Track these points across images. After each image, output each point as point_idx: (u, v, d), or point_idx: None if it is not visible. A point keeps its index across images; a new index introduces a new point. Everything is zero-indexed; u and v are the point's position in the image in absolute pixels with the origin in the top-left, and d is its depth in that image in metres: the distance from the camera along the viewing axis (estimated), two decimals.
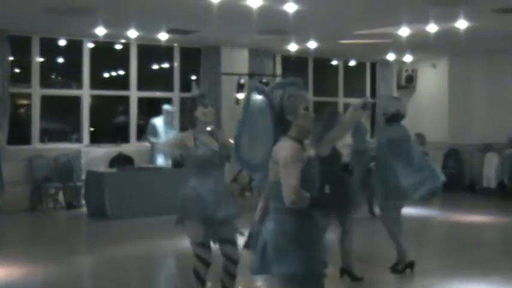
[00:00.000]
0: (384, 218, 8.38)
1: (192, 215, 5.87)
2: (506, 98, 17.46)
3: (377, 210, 11.83)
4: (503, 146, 16.58)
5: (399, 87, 18.99)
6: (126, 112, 15.69)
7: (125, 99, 15.63)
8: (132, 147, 15.30)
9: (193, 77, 16.02)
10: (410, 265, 8.32)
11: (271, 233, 4.12)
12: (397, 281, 8.21)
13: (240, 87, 15.93)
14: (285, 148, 4.05)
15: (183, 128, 15.59)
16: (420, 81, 18.99)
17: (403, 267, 8.31)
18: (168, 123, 14.27)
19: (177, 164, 13.11)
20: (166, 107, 14.46)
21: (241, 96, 15.84)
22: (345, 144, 8.01)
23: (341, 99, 18.49)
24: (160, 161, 14.11)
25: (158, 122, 14.31)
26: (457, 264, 9.07)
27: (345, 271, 7.94)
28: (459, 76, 18.02)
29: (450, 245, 10.96)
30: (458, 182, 17.38)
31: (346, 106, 17.78)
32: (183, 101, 15.35)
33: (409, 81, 18.90)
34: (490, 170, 17.05)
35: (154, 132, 14.22)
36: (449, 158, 17.73)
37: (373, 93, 18.92)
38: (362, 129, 12.74)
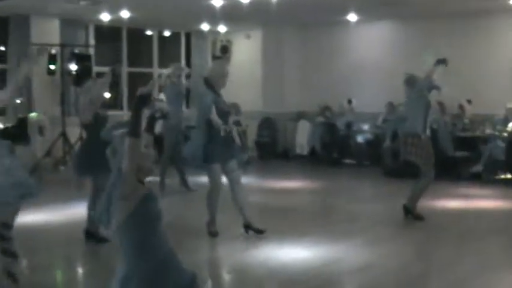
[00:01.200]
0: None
1: None
2: (317, 68, 18.04)
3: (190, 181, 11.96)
4: (315, 114, 17.15)
5: (214, 57, 19.10)
6: None
7: None
8: None
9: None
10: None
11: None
12: (211, 247, 8.32)
13: (51, 58, 15.45)
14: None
15: None
16: (235, 52, 19.22)
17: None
18: None
19: None
20: None
21: (53, 67, 15.40)
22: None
23: (156, 70, 18.38)
24: None
25: None
26: (272, 228, 9.30)
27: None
28: (272, 47, 18.39)
29: (265, 210, 11.23)
30: (272, 149, 17.84)
31: (162, 77, 17.77)
32: None
33: (224, 52, 19.07)
34: (302, 138, 17.61)
35: None
36: (263, 126, 18.12)
37: (188, 64, 18.96)
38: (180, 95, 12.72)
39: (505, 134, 13.68)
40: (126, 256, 4.00)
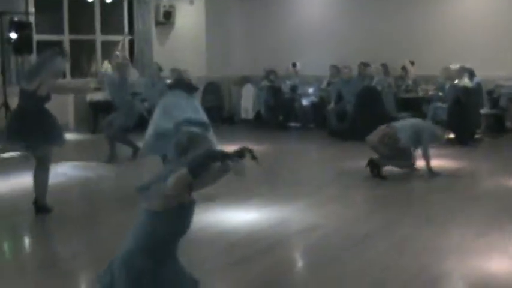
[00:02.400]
0: None
1: None
2: (261, 32, 18.03)
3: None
4: (260, 78, 17.16)
5: (157, 23, 18.92)
6: None
7: None
8: None
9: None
10: None
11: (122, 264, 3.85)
12: None
13: None
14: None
15: None
16: (178, 17, 19.05)
17: None
18: None
19: None
20: None
21: None
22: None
23: (98, 37, 18.12)
24: None
25: None
26: (219, 192, 9.32)
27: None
28: (216, 11, 18.31)
29: None
30: (218, 114, 17.81)
31: (105, 44, 17.63)
32: None
33: (167, 18, 18.88)
34: (248, 102, 17.63)
35: None
36: (208, 91, 18.06)
37: (131, 30, 18.75)
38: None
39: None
40: (133, 240, 3.87)
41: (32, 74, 8.18)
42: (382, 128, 10.27)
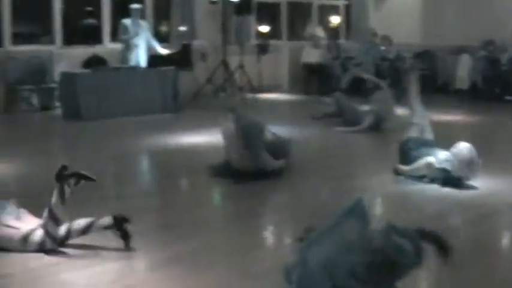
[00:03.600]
0: None
1: None
2: (479, 2, 17.41)
3: None
4: (477, 48, 16.63)
5: None
6: (97, 13, 15.37)
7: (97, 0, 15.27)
8: (105, 48, 15.07)
9: None
10: None
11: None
12: (366, 173, 8.29)
13: None
14: None
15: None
16: None
17: None
18: (136, 23, 13.90)
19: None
20: (133, 5, 14.06)
21: None
22: None
23: (315, 1, 18.31)
24: (134, 61, 13.89)
25: (128, 22, 13.96)
26: None
27: None
28: None
29: None
30: (431, 83, 17.49)
31: (321, 8, 17.80)
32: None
33: None
34: (463, 72, 17.15)
35: (126, 32, 13.89)
36: (422, 59, 17.78)
37: None
38: None
39: None
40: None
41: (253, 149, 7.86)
42: None
